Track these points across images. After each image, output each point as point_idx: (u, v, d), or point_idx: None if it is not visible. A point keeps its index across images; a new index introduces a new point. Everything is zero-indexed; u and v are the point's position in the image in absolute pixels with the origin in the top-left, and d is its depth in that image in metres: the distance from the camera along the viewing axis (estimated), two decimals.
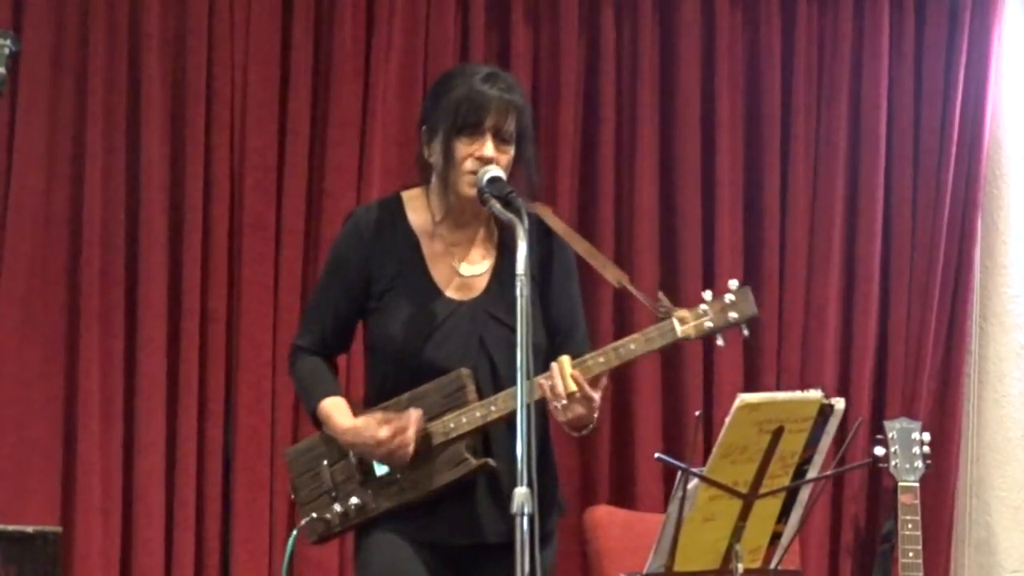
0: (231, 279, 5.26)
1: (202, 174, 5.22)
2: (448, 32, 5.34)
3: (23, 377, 5.13)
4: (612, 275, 3.88)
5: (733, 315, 3.72)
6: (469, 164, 3.71)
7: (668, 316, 3.71)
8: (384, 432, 3.72)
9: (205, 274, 5.23)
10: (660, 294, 3.78)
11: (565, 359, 3.66)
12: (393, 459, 3.75)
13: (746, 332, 3.77)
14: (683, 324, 3.70)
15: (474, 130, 3.71)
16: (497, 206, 3.64)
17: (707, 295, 3.74)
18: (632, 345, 3.70)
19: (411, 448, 3.72)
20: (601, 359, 3.70)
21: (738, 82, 5.54)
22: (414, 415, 3.72)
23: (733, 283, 3.75)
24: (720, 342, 3.76)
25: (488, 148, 3.71)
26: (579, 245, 3.88)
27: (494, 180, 3.67)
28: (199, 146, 5.22)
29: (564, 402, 3.64)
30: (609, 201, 5.46)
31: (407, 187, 3.91)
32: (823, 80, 5.58)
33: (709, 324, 3.71)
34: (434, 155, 3.77)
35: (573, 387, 3.63)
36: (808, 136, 5.57)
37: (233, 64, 5.25)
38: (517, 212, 3.57)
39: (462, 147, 3.71)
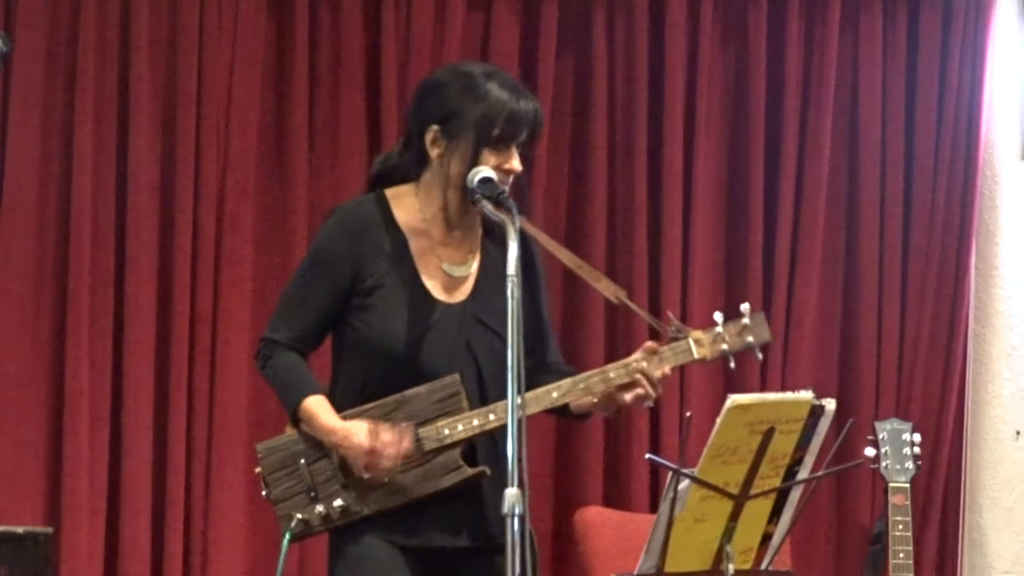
0: (216, 281, 5.26)
1: (192, 175, 5.22)
2: (434, 33, 5.34)
3: (12, 378, 5.14)
4: (608, 290, 3.88)
5: (749, 339, 3.75)
6: (498, 176, 3.70)
7: (680, 336, 3.73)
8: (375, 440, 3.69)
9: (194, 276, 5.23)
10: (669, 314, 3.80)
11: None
12: (376, 470, 3.72)
13: (760, 356, 3.80)
14: (699, 346, 3.73)
15: (505, 144, 3.72)
16: (489, 207, 3.63)
17: (719, 317, 3.76)
18: (644, 363, 3.71)
19: (394, 464, 3.69)
20: (612, 374, 3.72)
21: (722, 85, 5.53)
22: (408, 432, 3.71)
23: (745, 307, 3.78)
24: (732, 365, 3.78)
25: (516, 162, 3.73)
26: (567, 257, 3.87)
27: (485, 181, 3.67)
28: (189, 147, 5.22)
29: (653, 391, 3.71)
30: (602, 203, 5.48)
31: (386, 183, 3.87)
32: (810, 83, 5.58)
33: (724, 347, 3.74)
34: (451, 159, 3.75)
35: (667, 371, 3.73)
36: (793, 139, 5.56)
37: (224, 65, 5.24)
38: (509, 212, 3.57)
39: (490, 158, 3.70)
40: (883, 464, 5.29)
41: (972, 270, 5.65)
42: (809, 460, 3.72)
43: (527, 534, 3.33)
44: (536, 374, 3.81)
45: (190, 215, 5.22)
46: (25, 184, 5.16)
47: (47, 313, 5.17)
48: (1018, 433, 5.67)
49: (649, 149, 5.49)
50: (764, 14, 5.52)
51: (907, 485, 5.27)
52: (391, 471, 3.70)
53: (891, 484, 5.26)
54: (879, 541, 5.34)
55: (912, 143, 5.61)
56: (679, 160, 5.49)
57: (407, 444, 3.69)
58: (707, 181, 5.52)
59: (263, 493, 3.82)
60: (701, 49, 5.49)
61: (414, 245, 3.79)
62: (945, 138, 5.58)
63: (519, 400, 3.56)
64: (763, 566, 3.78)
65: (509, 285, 3.40)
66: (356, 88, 5.33)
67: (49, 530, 3.72)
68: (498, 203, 3.63)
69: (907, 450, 5.32)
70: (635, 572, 3.71)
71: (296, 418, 3.79)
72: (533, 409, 3.70)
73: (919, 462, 5.33)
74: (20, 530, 3.65)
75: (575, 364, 3.96)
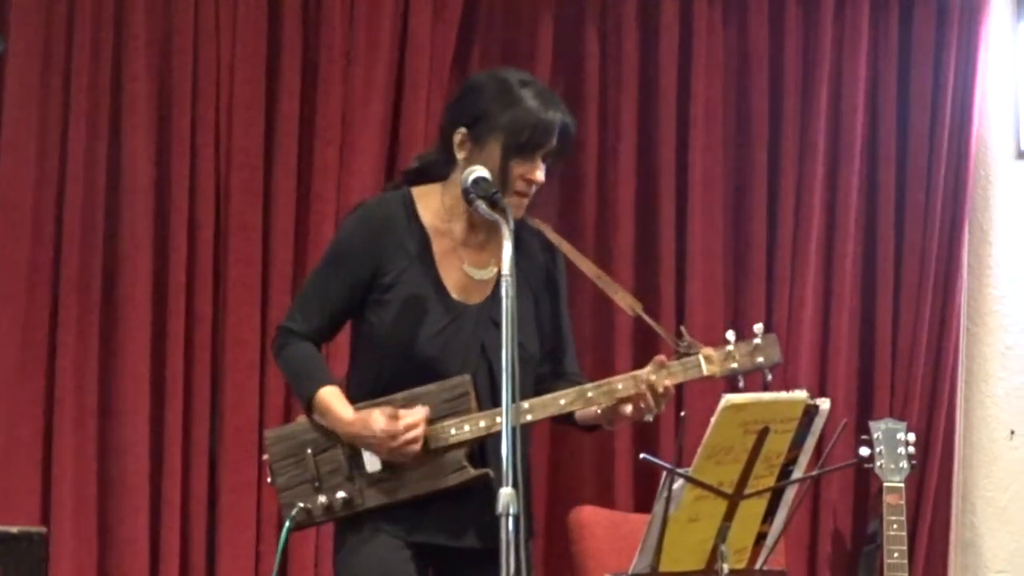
0: (216, 280, 5.25)
1: (188, 174, 5.22)
2: (430, 33, 5.34)
3: (3, 377, 5.12)
4: (625, 301, 3.93)
5: (760, 359, 3.82)
6: (520, 185, 3.74)
7: (690, 352, 3.77)
8: (396, 424, 3.70)
9: (191, 275, 5.22)
10: (682, 328, 3.84)
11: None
12: (400, 454, 3.73)
13: (770, 377, 3.84)
14: (709, 363, 3.80)
15: (531, 153, 3.73)
16: (483, 206, 3.64)
17: (731, 335, 3.82)
18: (653, 376, 3.76)
19: (419, 446, 3.71)
20: (619, 385, 3.76)
21: (719, 84, 5.53)
22: (422, 412, 3.71)
23: (758, 327, 3.84)
24: (741, 383, 3.82)
25: (540, 173, 3.76)
26: (588, 268, 3.91)
27: (479, 180, 3.67)
28: (185, 146, 5.21)
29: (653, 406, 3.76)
30: (592, 205, 5.47)
31: (416, 181, 3.90)
32: (806, 81, 5.58)
33: (734, 365, 3.80)
34: (476, 162, 3.74)
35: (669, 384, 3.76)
36: (792, 137, 5.56)
37: (219, 64, 5.24)
38: (503, 212, 3.58)
39: (515, 167, 3.73)
40: (878, 464, 5.30)
41: (964, 268, 5.65)
42: (803, 460, 3.72)
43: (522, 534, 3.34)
44: (551, 381, 3.86)
45: (185, 214, 5.21)
46: (19, 183, 5.15)
47: (38, 312, 5.15)
48: (1012, 432, 5.68)
49: (644, 150, 5.49)
50: (764, 11, 5.52)
51: (902, 485, 5.27)
52: (415, 451, 3.70)
53: (886, 484, 5.27)
54: (873, 540, 5.35)
55: (906, 141, 5.61)
56: (673, 160, 5.50)
57: (423, 427, 3.71)
58: (708, 180, 5.52)
59: (268, 480, 3.85)
60: (697, 49, 5.49)
61: (436, 245, 3.81)
62: (938, 136, 5.58)
63: (525, 405, 3.67)
64: (757, 565, 3.78)
65: (503, 285, 3.42)
66: (347, 86, 5.33)
67: (43, 530, 3.71)
68: (493, 203, 3.64)
69: (901, 450, 5.32)
70: (629, 571, 3.71)
71: (310, 408, 3.81)
72: (540, 415, 3.75)
73: (914, 462, 5.34)
74: (14, 530, 3.64)
75: (603, 374, 3.96)
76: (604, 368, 5.05)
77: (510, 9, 5.45)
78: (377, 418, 3.72)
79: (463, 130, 3.77)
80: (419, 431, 3.71)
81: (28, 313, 5.15)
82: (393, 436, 3.70)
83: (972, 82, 5.61)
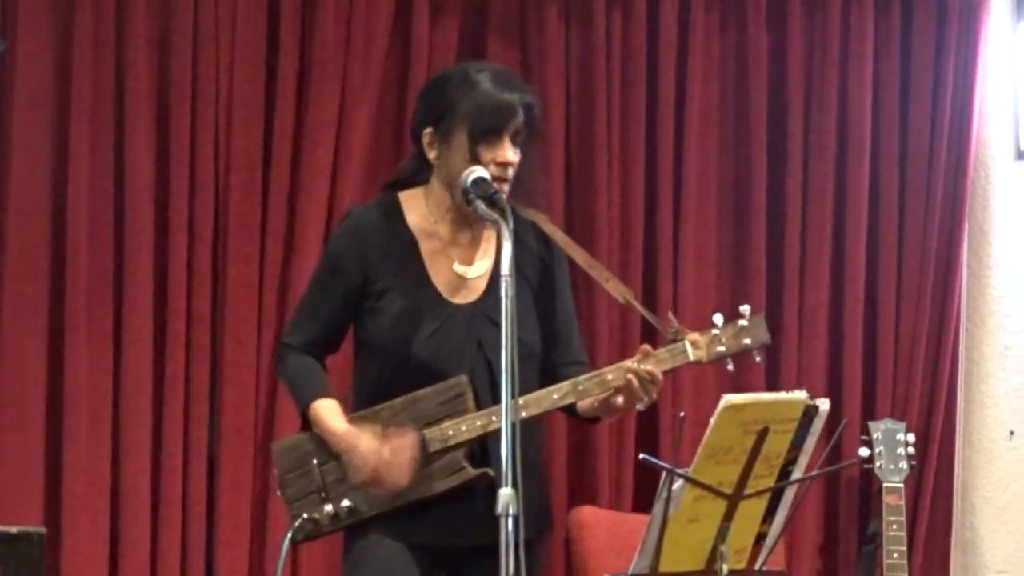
0: (216, 279, 5.25)
1: (187, 174, 5.21)
2: (427, 33, 5.33)
3: (9, 378, 5.12)
4: (617, 290, 3.93)
5: (747, 341, 3.80)
6: (493, 170, 3.73)
7: (678, 338, 3.75)
8: (379, 458, 3.72)
9: (190, 274, 5.22)
10: (670, 315, 3.84)
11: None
12: (378, 484, 3.74)
13: (758, 358, 3.82)
14: (695, 348, 3.78)
15: (496, 135, 3.73)
16: (482, 207, 3.65)
17: (718, 319, 3.79)
18: (638, 365, 3.74)
19: (403, 482, 3.72)
20: (609, 376, 3.76)
21: (717, 83, 5.53)
22: (413, 442, 3.72)
23: (745, 309, 3.81)
24: (730, 367, 3.81)
25: (509, 153, 3.75)
26: (580, 256, 3.91)
27: (478, 181, 3.68)
28: (184, 146, 5.21)
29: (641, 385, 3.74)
30: (603, 203, 5.47)
31: (400, 188, 3.91)
32: (812, 82, 5.58)
33: (721, 349, 3.78)
34: (448, 158, 3.76)
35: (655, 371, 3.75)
36: (798, 138, 5.56)
37: (218, 64, 5.24)
38: (502, 212, 3.59)
39: (483, 152, 3.73)
40: (877, 464, 5.30)
41: (962, 269, 5.65)
42: (803, 460, 3.72)
43: (521, 533, 3.35)
44: (556, 372, 3.84)
45: (185, 213, 5.21)
46: (31, 185, 5.14)
47: (44, 313, 5.15)
48: (1011, 433, 5.68)
49: (647, 148, 5.49)
50: (763, 13, 5.52)
51: (901, 485, 5.28)
52: (397, 485, 3.71)
53: (885, 484, 5.27)
54: (873, 541, 5.35)
55: (905, 142, 5.61)
56: (670, 160, 5.49)
57: (413, 455, 3.71)
58: (703, 181, 5.51)
59: (279, 493, 3.86)
60: (696, 48, 5.49)
61: (424, 247, 3.82)
62: (938, 137, 5.59)
63: (520, 401, 3.63)
64: (757, 566, 3.78)
65: (503, 285, 3.43)
66: (344, 86, 5.33)
67: (43, 530, 3.70)
68: (492, 203, 3.65)
69: (901, 450, 5.32)
70: (628, 572, 3.71)
71: (307, 420, 3.83)
72: (535, 410, 3.75)
73: (913, 462, 5.34)
74: (13, 530, 3.64)
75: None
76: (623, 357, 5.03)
77: (511, 10, 5.44)
78: (364, 447, 3.74)
79: (429, 130, 3.80)
80: (402, 466, 3.72)
81: (33, 314, 5.13)
82: (375, 470, 3.73)
83: (972, 82, 5.61)
